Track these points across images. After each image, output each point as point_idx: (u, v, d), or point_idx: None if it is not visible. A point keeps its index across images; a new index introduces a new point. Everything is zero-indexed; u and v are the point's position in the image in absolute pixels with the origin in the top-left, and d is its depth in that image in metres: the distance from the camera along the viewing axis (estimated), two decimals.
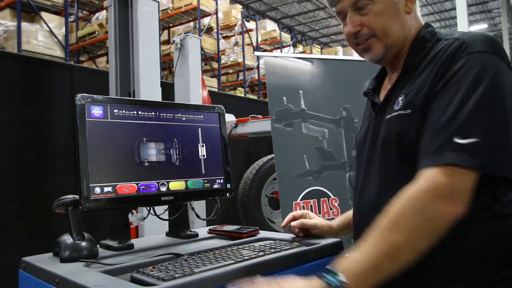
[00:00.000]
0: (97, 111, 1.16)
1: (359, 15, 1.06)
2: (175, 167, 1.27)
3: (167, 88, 4.12)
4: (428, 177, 0.86)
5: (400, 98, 1.02)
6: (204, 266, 0.93)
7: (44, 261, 1.07)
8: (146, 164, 1.21)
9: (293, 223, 1.24)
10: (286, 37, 12.33)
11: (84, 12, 8.95)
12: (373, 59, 1.10)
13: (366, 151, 1.13)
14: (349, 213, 1.32)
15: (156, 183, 1.22)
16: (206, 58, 9.29)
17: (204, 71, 9.51)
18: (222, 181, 1.37)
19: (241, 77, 11.06)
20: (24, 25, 6.15)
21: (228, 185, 1.39)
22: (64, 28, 6.76)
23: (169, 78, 9.13)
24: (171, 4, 8.82)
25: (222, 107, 1.43)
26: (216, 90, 8.65)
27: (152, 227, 2.99)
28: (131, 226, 1.28)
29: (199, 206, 3.63)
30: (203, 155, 1.34)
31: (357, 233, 1.15)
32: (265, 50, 11.43)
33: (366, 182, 1.11)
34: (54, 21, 6.60)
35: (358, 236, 1.13)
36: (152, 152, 1.23)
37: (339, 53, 13.52)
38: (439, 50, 0.99)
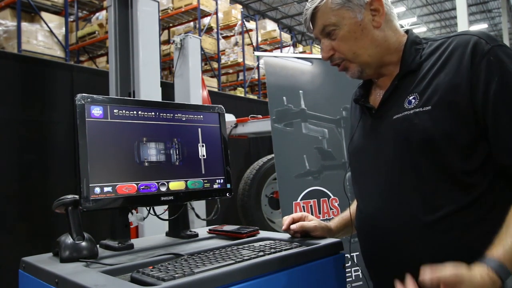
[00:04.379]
0: (97, 111, 1.16)
1: (329, 40, 1.11)
2: (175, 167, 1.27)
3: (167, 88, 4.12)
4: None
5: (410, 97, 1.05)
6: (204, 266, 0.92)
7: (44, 261, 1.07)
8: (146, 164, 1.21)
9: (292, 226, 1.24)
10: (286, 37, 12.33)
11: (84, 12, 8.96)
12: (353, 77, 1.15)
13: (369, 156, 1.13)
14: (345, 214, 1.32)
15: (156, 183, 1.22)
16: (206, 58, 9.29)
17: (204, 71, 9.51)
18: (222, 181, 1.37)
19: (241, 77, 11.07)
20: (24, 25, 6.15)
21: (228, 185, 1.39)
22: (64, 28, 6.76)
23: (169, 78, 9.13)
24: (171, 4, 8.82)
25: (222, 107, 1.43)
26: (216, 90, 8.65)
27: (152, 227, 2.99)
28: (131, 226, 1.28)
29: (199, 206, 3.64)
30: (203, 155, 1.34)
31: (367, 238, 1.15)
32: (265, 50, 11.43)
33: (373, 186, 1.11)
34: (54, 21, 6.61)
35: (370, 243, 1.14)
36: (152, 152, 1.23)
37: None
38: (444, 50, 1.03)
